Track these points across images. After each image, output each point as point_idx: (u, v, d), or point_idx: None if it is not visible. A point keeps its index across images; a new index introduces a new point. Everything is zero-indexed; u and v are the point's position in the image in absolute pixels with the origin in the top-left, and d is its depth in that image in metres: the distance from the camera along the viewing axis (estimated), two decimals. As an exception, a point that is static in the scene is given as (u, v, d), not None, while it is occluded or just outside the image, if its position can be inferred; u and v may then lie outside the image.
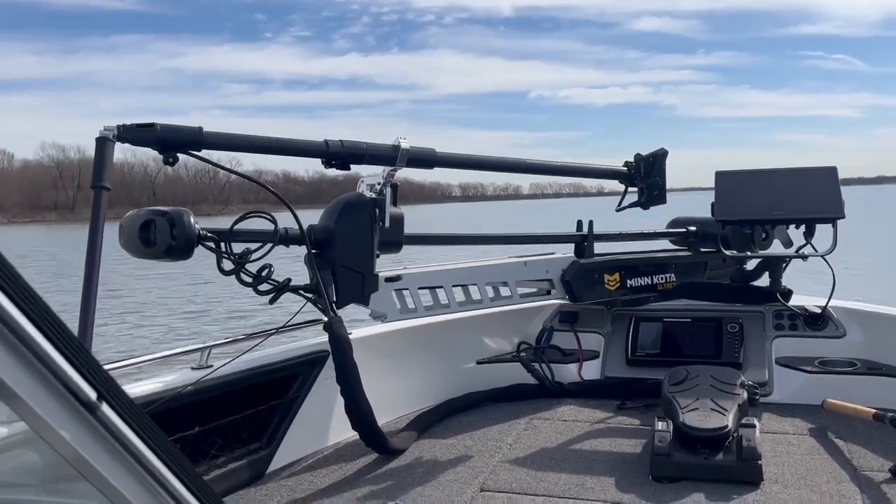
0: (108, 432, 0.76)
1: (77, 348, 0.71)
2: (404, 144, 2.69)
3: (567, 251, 3.43)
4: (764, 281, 3.53)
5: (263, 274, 2.43)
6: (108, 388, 0.75)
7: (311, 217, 2.75)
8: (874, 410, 2.58)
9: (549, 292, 3.37)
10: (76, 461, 0.75)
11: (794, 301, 3.38)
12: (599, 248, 3.46)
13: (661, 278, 3.53)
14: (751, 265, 3.69)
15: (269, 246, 2.42)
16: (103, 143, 2.18)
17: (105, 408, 0.74)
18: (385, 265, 2.82)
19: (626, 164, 3.58)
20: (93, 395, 0.73)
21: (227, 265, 2.39)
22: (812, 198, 3.16)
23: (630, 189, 3.61)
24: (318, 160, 2.65)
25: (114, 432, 0.77)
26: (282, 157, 2.68)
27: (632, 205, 3.59)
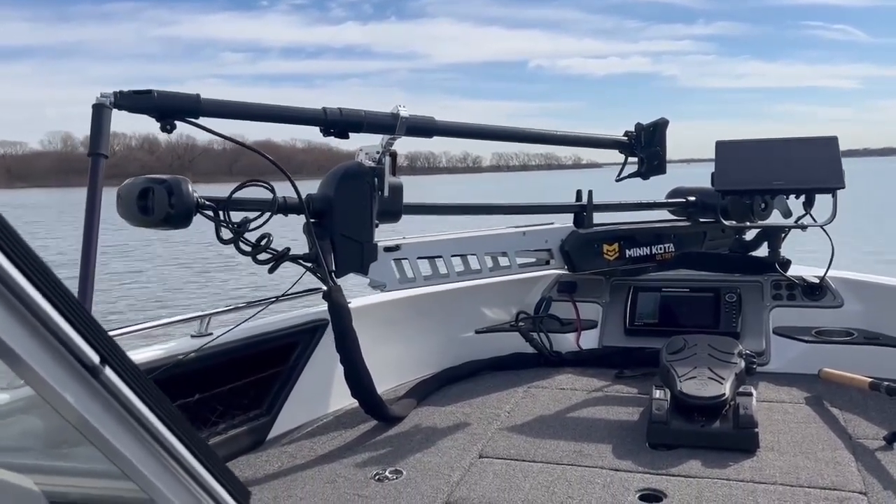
0: (112, 395, 0.77)
1: (80, 312, 0.71)
2: (403, 113, 2.67)
3: (566, 221, 3.43)
4: (763, 251, 3.54)
5: (262, 243, 2.42)
6: (111, 352, 0.75)
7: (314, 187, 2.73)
8: (870, 379, 2.60)
9: (547, 262, 3.37)
10: (80, 424, 0.75)
11: (793, 271, 3.39)
12: (599, 218, 3.46)
13: (660, 248, 3.54)
14: (750, 235, 3.69)
15: (267, 215, 2.41)
16: (100, 110, 2.16)
17: (108, 371, 0.75)
18: (384, 235, 2.82)
19: (627, 133, 3.56)
20: (96, 358, 0.73)
21: (226, 234, 2.39)
22: (812, 168, 3.14)
23: (630, 159, 3.60)
24: (317, 128, 2.63)
25: (117, 396, 0.77)
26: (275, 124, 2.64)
27: (631, 175, 3.59)
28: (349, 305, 2.57)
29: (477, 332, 3.44)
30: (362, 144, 2.78)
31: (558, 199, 3.59)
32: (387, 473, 2.23)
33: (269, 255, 2.45)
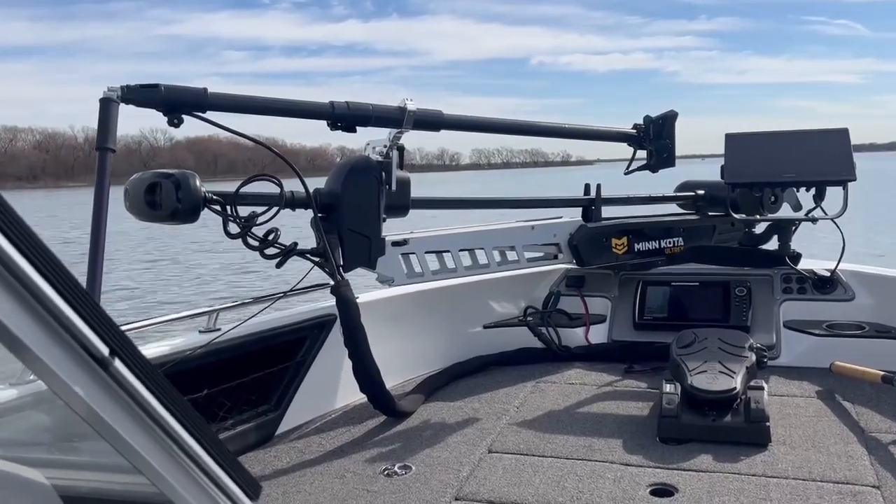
0: (121, 388, 0.76)
1: (90, 304, 0.70)
2: (411, 106, 2.65)
3: (575, 215, 3.41)
4: (773, 244, 3.51)
5: (270, 238, 2.42)
6: (121, 345, 0.74)
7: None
8: (882, 373, 2.58)
9: (556, 256, 3.36)
10: (89, 417, 0.74)
11: (803, 264, 3.36)
12: (607, 212, 3.44)
13: (669, 242, 3.51)
14: (760, 229, 3.67)
15: (275, 209, 2.40)
16: (107, 104, 2.16)
17: (118, 364, 0.74)
18: (392, 229, 2.81)
19: (635, 126, 3.54)
20: (105, 351, 0.72)
21: (234, 229, 2.38)
22: (823, 160, 3.12)
23: (638, 153, 3.58)
24: (324, 122, 2.62)
25: (127, 388, 0.76)
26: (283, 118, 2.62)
27: (640, 168, 3.57)
28: (357, 300, 2.56)
29: (485, 326, 3.42)
30: (370, 139, 2.77)
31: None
32: (396, 468, 2.22)
33: (276, 250, 2.45)
